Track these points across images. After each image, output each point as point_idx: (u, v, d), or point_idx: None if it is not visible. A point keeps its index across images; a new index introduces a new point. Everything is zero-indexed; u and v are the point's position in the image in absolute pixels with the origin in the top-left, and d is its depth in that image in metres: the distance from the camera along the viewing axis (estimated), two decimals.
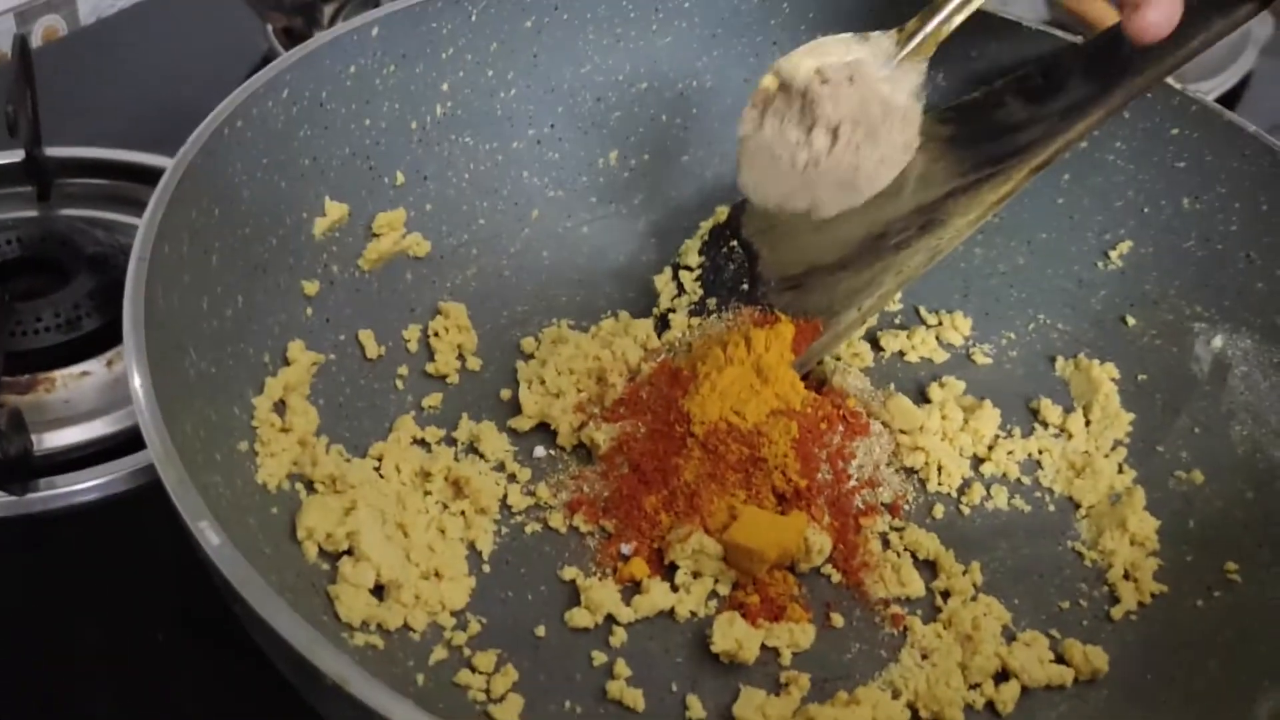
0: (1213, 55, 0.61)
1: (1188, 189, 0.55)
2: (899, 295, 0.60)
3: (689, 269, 0.57)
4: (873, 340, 0.58)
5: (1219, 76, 0.84)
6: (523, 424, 0.52)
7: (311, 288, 0.50)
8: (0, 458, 0.52)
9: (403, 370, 0.53)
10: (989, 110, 0.55)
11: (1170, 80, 0.53)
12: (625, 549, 0.47)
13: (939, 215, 0.53)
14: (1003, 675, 0.45)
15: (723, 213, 0.58)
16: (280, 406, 0.46)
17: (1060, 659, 0.46)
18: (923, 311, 0.60)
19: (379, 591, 0.44)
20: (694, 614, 0.46)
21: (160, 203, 0.41)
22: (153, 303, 0.39)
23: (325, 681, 0.29)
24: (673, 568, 0.47)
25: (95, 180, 0.75)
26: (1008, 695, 0.44)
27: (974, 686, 0.45)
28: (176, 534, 0.53)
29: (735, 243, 0.56)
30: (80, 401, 0.58)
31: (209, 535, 0.31)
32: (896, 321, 0.60)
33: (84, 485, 0.54)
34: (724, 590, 0.47)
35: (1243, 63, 0.86)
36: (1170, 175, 0.56)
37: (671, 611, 0.46)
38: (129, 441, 0.57)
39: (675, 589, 0.46)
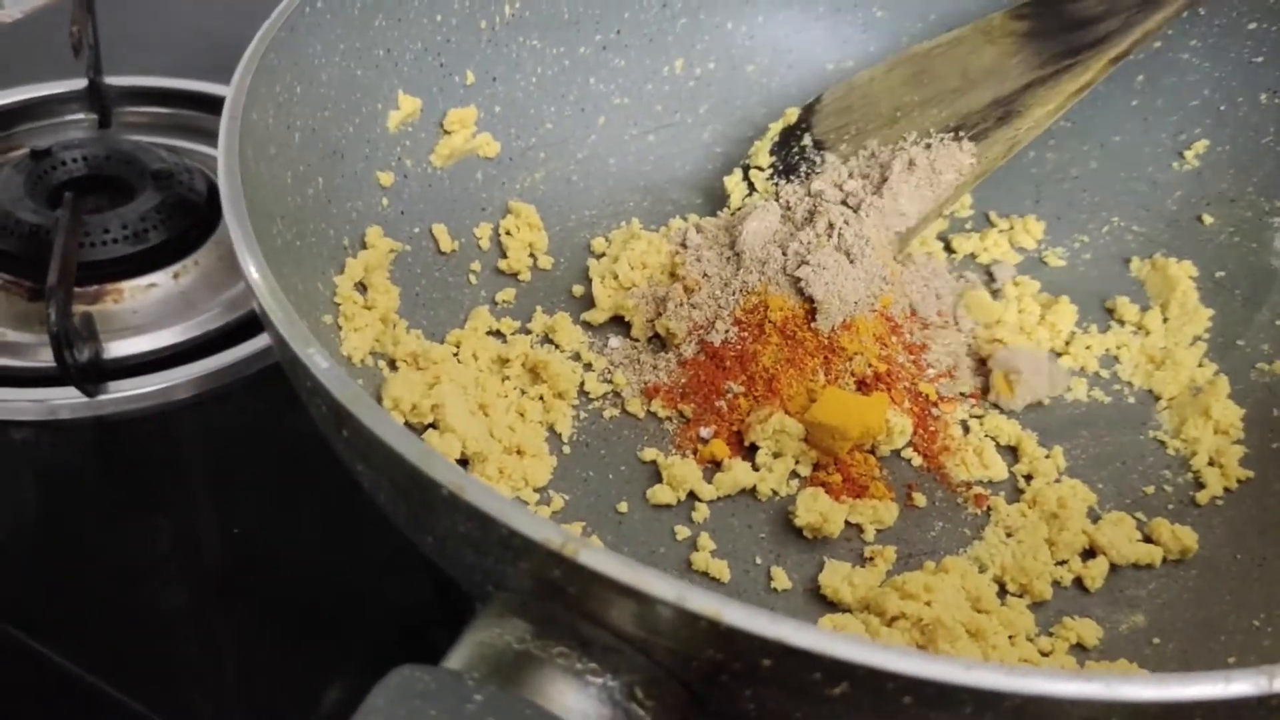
0: None
1: (1266, 84, 0.55)
2: (969, 200, 0.59)
3: (760, 169, 0.56)
4: (945, 243, 0.58)
5: None
6: (597, 317, 0.52)
7: (386, 178, 0.50)
8: (73, 359, 0.52)
9: (475, 266, 0.53)
10: (1065, 3, 0.54)
11: None
12: (704, 432, 0.47)
13: (1016, 107, 0.52)
14: (1090, 553, 0.45)
15: (793, 114, 0.58)
16: (360, 287, 0.46)
17: (1148, 539, 0.45)
18: (993, 216, 0.59)
19: (464, 465, 0.44)
20: (775, 492, 0.46)
21: (248, 69, 0.41)
22: (245, 162, 0.39)
23: (440, 492, 0.28)
24: (753, 449, 0.47)
25: (155, 109, 0.75)
26: (1096, 571, 0.44)
27: (1061, 563, 0.44)
28: (235, 435, 0.54)
29: (807, 142, 0.56)
30: (147, 312, 0.59)
31: (317, 360, 0.31)
32: (968, 226, 0.59)
33: (150, 389, 0.55)
34: (805, 471, 0.46)
35: None
36: (1248, 71, 0.55)
37: (753, 490, 0.46)
38: (194, 350, 0.57)
39: (756, 468, 0.46)
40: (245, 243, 0.35)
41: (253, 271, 0.34)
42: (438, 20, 0.52)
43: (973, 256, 0.57)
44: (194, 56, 0.79)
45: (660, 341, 0.51)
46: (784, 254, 0.50)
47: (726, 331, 0.49)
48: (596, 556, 0.27)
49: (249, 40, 0.45)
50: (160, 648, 0.46)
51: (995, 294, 0.55)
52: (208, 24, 0.84)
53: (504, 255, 0.53)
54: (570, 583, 0.27)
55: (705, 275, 0.51)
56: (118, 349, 0.57)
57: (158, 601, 0.47)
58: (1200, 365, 0.52)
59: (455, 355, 0.48)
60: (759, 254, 0.50)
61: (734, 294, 0.50)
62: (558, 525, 0.27)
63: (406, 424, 0.43)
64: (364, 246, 0.48)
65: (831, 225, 0.50)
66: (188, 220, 0.62)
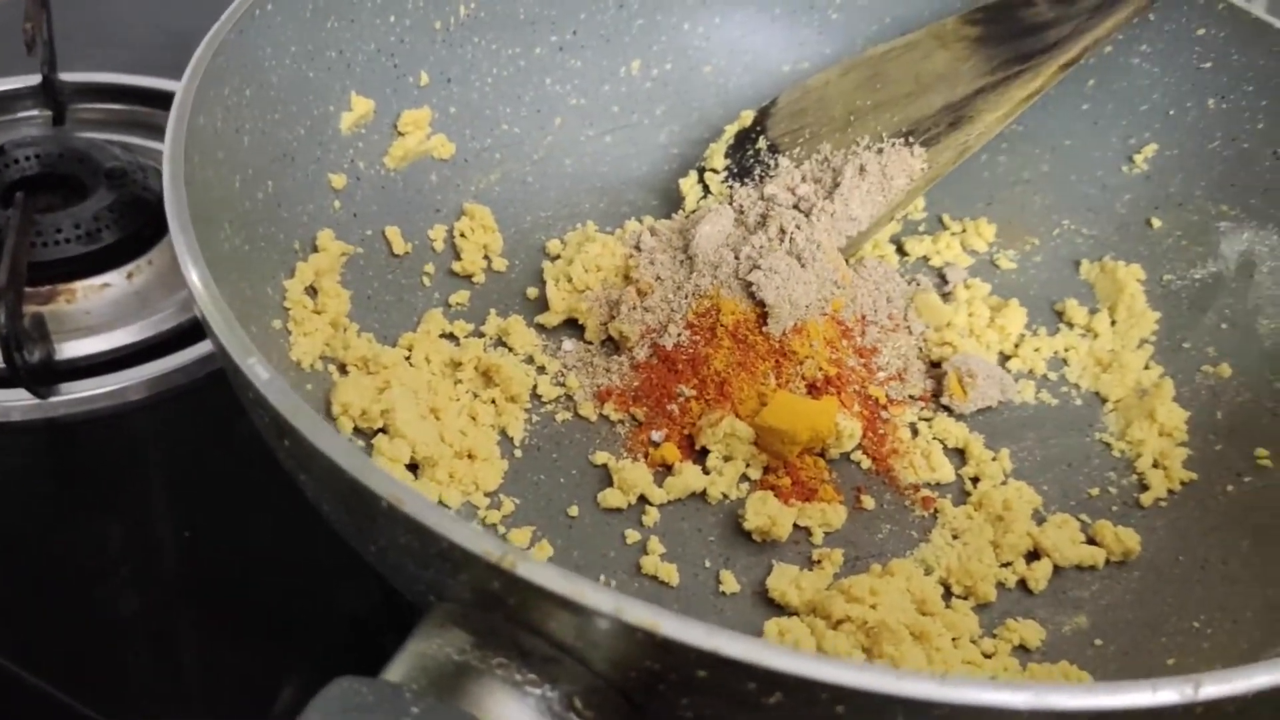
0: None
1: (1214, 89, 0.55)
2: (922, 203, 0.60)
3: (714, 172, 0.57)
4: (898, 245, 0.58)
5: None
6: (550, 320, 0.52)
7: (339, 181, 0.50)
8: (24, 361, 0.52)
9: (429, 268, 0.53)
10: (1017, 9, 0.54)
11: None
12: (656, 435, 0.47)
13: (967, 112, 0.53)
14: (1034, 555, 0.45)
15: (748, 116, 0.58)
16: (311, 291, 0.46)
17: (1092, 541, 0.46)
18: (946, 219, 0.60)
19: (413, 471, 0.44)
20: (725, 496, 0.46)
21: (195, 73, 0.41)
22: (191, 169, 0.39)
23: (379, 505, 0.28)
24: (704, 452, 0.47)
25: (109, 105, 0.75)
26: (1040, 573, 0.44)
27: (1006, 565, 0.45)
28: (189, 436, 0.54)
29: (761, 145, 0.56)
30: (100, 312, 0.59)
31: (258, 370, 0.31)
32: (921, 229, 0.60)
33: (102, 390, 0.55)
34: (755, 474, 0.47)
35: None
36: (1196, 76, 0.56)
37: (703, 493, 0.46)
38: (147, 351, 0.57)
39: (707, 472, 0.46)
40: (188, 251, 0.35)
41: (195, 280, 0.34)
42: (391, 21, 0.52)
43: (925, 259, 0.58)
44: (150, 52, 0.78)
45: (614, 344, 0.51)
46: (736, 258, 0.50)
47: (679, 335, 0.49)
48: (534, 568, 0.27)
49: (206, 35, 0.44)
50: (112, 652, 0.46)
51: (946, 297, 0.55)
52: (164, 19, 0.83)
53: (458, 257, 0.53)
54: (509, 594, 0.28)
55: (658, 278, 0.51)
56: (70, 350, 0.56)
57: (110, 606, 0.47)
58: (1146, 368, 0.53)
59: (407, 359, 0.48)
60: (711, 257, 0.50)
61: (686, 297, 0.50)
62: (496, 537, 0.28)
63: (356, 429, 0.43)
64: (315, 250, 0.47)
65: (783, 230, 0.50)
66: (141, 219, 0.61)
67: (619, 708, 0.29)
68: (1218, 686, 0.27)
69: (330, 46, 0.50)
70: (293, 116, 0.48)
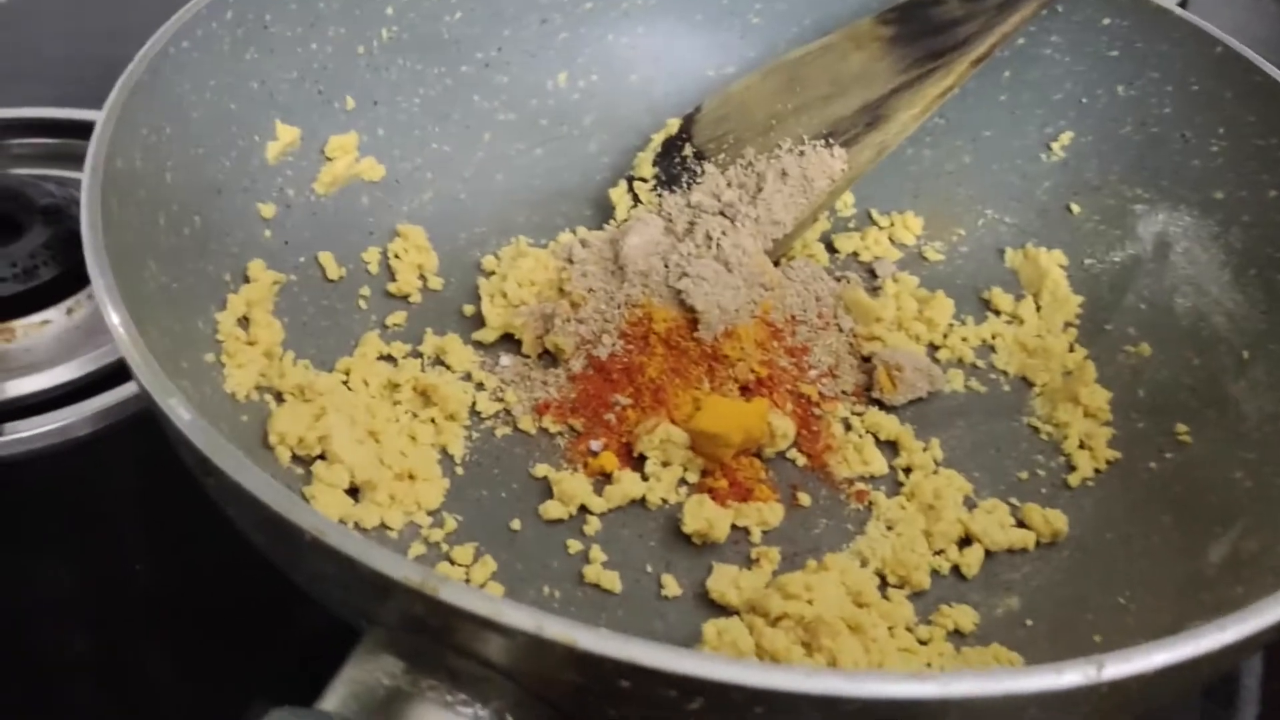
0: None
1: (1122, 76, 0.57)
2: (851, 199, 0.61)
3: (643, 180, 0.58)
4: (827, 243, 0.59)
5: None
6: (487, 336, 0.52)
7: (268, 210, 0.50)
8: None
9: (364, 291, 0.53)
10: (927, 8, 0.56)
11: None
12: (594, 445, 0.48)
13: (884, 112, 0.54)
14: (966, 541, 0.47)
15: (674, 124, 0.59)
16: (244, 322, 0.47)
17: (1021, 524, 0.47)
18: (874, 214, 0.61)
19: (354, 495, 0.44)
20: (665, 501, 0.47)
21: (109, 119, 0.42)
22: (109, 211, 0.39)
23: (303, 538, 0.29)
24: (642, 459, 0.48)
25: (43, 140, 0.74)
26: (972, 559, 0.46)
27: (939, 553, 0.46)
28: (137, 469, 0.54)
29: (688, 152, 0.57)
30: (41, 349, 0.58)
31: (179, 411, 0.32)
32: (850, 225, 0.61)
33: (47, 428, 0.54)
34: (693, 478, 0.48)
35: None
36: (1105, 64, 0.57)
37: (643, 500, 0.47)
38: (92, 385, 0.57)
39: (645, 478, 0.47)
40: (107, 295, 0.35)
41: (115, 323, 0.35)
42: (313, 48, 0.53)
43: (855, 255, 0.59)
44: (82, 84, 0.77)
45: (551, 357, 0.52)
46: (666, 266, 0.51)
47: (613, 344, 0.50)
48: (456, 592, 0.28)
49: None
50: (63, 693, 0.46)
51: (876, 291, 0.57)
52: (92, 49, 0.82)
53: (393, 278, 0.54)
54: (434, 618, 0.28)
55: (591, 290, 0.52)
56: (13, 389, 0.56)
57: (62, 645, 0.48)
58: (1071, 350, 0.54)
59: (345, 383, 0.48)
60: (641, 267, 0.51)
61: (619, 307, 0.51)
62: (418, 563, 0.28)
63: (295, 457, 0.44)
64: (246, 280, 0.48)
65: (709, 236, 0.51)
66: (79, 254, 0.61)
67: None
68: (1120, 666, 0.28)
69: (251, 77, 0.50)
70: (217, 149, 0.48)
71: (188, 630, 0.48)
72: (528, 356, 0.52)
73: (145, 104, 0.43)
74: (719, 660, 0.27)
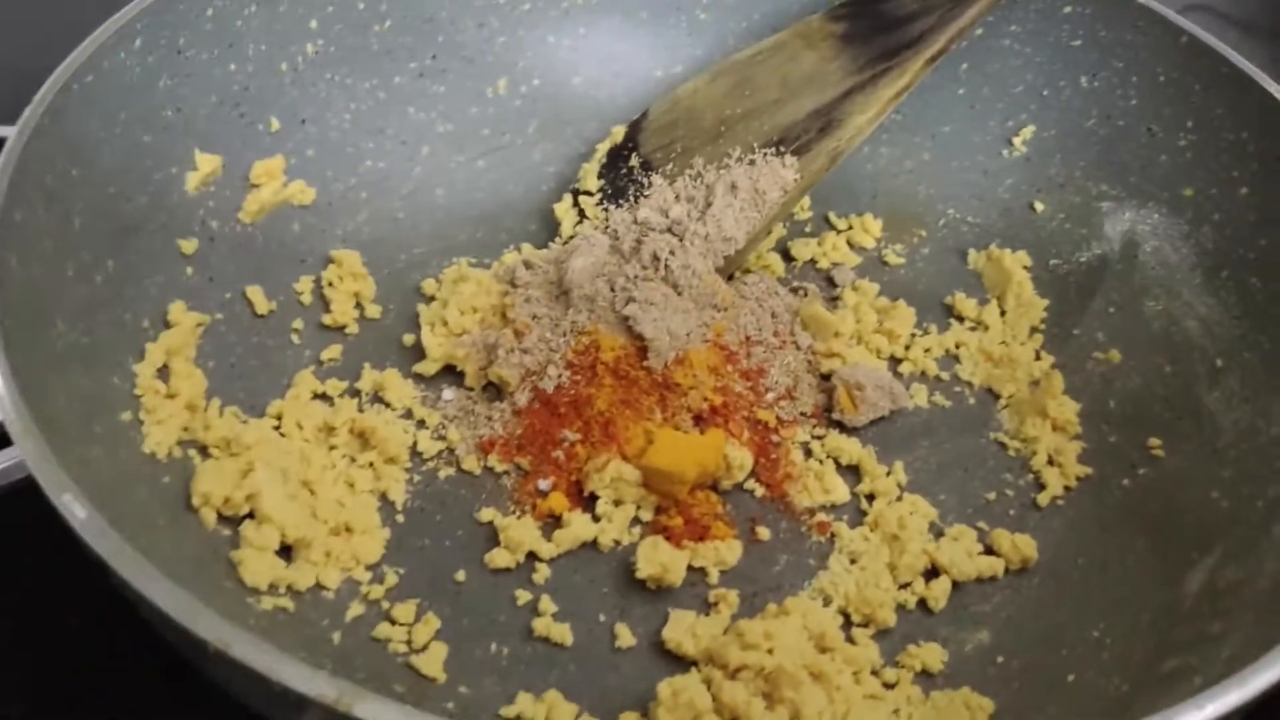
0: None
1: (1085, 67, 0.55)
2: (808, 202, 0.58)
3: (589, 194, 0.55)
4: (783, 251, 0.57)
5: None
6: (428, 368, 0.50)
7: (189, 246, 0.48)
8: None
9: (297, 324, 0.51)
10: (880, 3, 0.53)
11: None
12: (543, 484, 0.46)
13: (837, 116, 0.52)
14: (933, 572, 0.45)
15: (619, 132, 0.56)
16: (164, 372, 0.44)
17: (990, 551, 0.45)
18: (832, 217, 0.59)
19: (287, 553, 0.42)
20: (617, 542, 0.45)
21: (5, 170, 0.39)
22: (7, 273, 0.37)
23: (209, 650, 0.27)
24: (593, 499, 0.46)
25: None
26: (939, 591, 0.44)
27: (904, 586, 0.44)
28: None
29: (634, 163, 0.54)
30: None
31: (74, 509, 0.29)
32: (807, 230, 0.58)
33: None
34: (646, 516, 0.46)
35: None
36: (1067, 55, 0.55)
37: (594, 542, 0.45)
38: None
39: (596, 519, 0.45)
40: (5, 385, 0.33)
41: (9, 408, 0.32)
42: (231, 70, 0.50)
43: (812, 263, 0.57)
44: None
45: (496, 389, 0.49)
46: (612, 290, 0.48)
47: (559, 375, 0.47)
48: (371, 707, 0.26)
49: (50, 66, 0.42)
50: None
51: (835, 301, 0.54)
52: (10, 58, 0.79)
53: (327, 309, 0.51)
54: None
55: (535, 317, 0.49)
56: None
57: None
58: (1038, 358, 0.52)
59: (277, 428, 0.46)
60: (587, 290, 0.49)
61: (565, 335, 0.48)
62: (330, 677, 0.26)
63: (221, 517, 0.41)
64: (166, 326, 0.45)
65: (657, 257, 0.49)
66: None
67: None
68: None
69: (166, 105, 0.47)
70: (131, 187, 0.45)
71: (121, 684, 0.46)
72: (471, 389, 0.50)
73: (46, 149, 0.41)
74: None
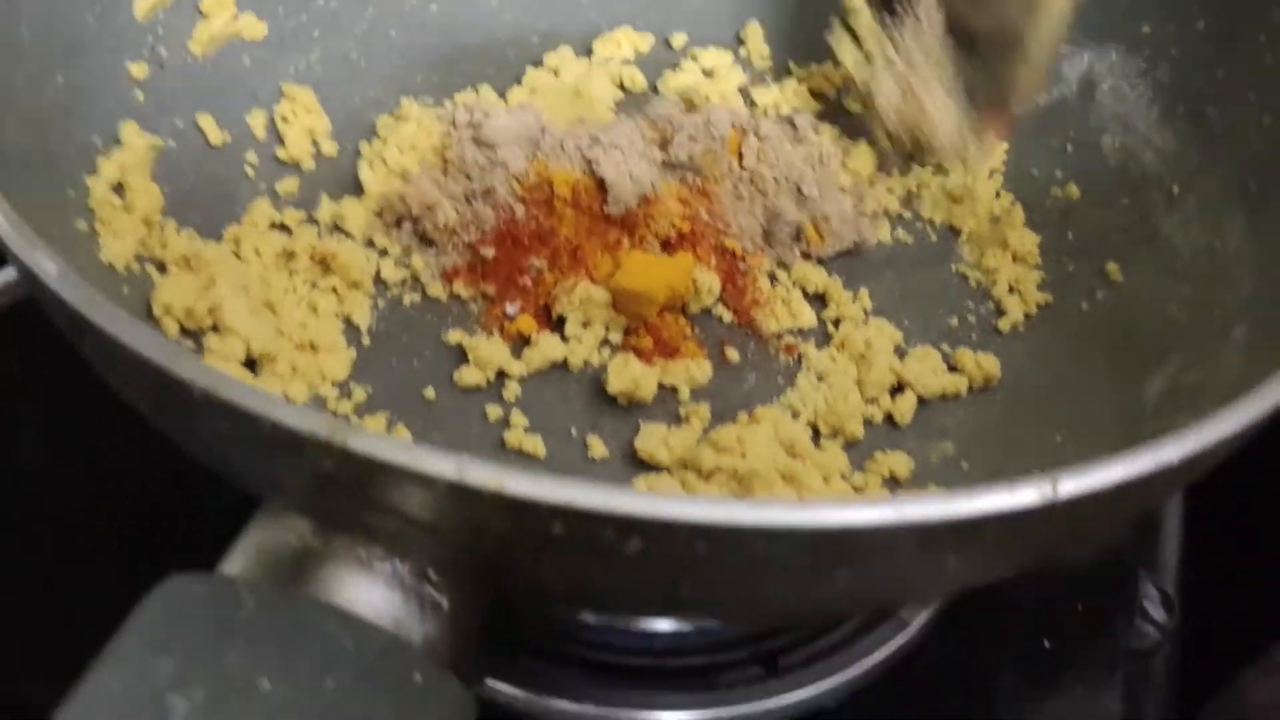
0: None
1: None
2: (768, 51, 0.58)
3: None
4: (746, 95, 0.57)
5: None
6: (371, 205, 0.49)
7: (139, 70, 0.46)
8: None
9: (251, 157, 0.49)
10: None
11: None
12: (511, 309, 0.46)
13: None
14: (899, 389, 0.45)
15: None
16: (120, 190, 0.43)
17: (954, 369, 0.46)
18: (793, 66, 0.58)
19: (253, 368, 0.41)
20: (587, 363, 0.45)
21: None
22: None
23: (194, 394, 0.26)
24: (562, 321, 0.45)
25: None
26: (905, 406, 0.44)
27: (871, 401, 0.45)
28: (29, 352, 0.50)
29: None
30: None
31: (45, 265, 0.28)
32: (766, 80, 0.58)
33: None
34: (616, 338, 0.45)
35: None
36: None
37: (564, 362, 0.44)
38: None
39: (566, 340, 0.45)
40: None
41: None
42: None
43: (777, 109, 0.56)
44: None
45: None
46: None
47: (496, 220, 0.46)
48: (368, 441, 0.25)
49: None
50: None
51: (797, 144, 0.54)
52: None
53: (282, 143, 0.50)
54: (344, 472, 0.26)
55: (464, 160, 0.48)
56: None
57: None
58: (997, 196, 0.52)
59: (235, 253, 0.45)
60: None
61: (504, 181, 0.47)
62: (322, 412, 0.26)
63: (184, 330, 0.41)
64: (119, 144, 0.44)
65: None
66: None
67: (475, 573, 0.27)
68: (1076, 482, 0.27)
69: None
70: (79, 5, 0.44)
71: (73, 522, 0.45)
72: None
73: None
74: (659, 497, 0.25)
